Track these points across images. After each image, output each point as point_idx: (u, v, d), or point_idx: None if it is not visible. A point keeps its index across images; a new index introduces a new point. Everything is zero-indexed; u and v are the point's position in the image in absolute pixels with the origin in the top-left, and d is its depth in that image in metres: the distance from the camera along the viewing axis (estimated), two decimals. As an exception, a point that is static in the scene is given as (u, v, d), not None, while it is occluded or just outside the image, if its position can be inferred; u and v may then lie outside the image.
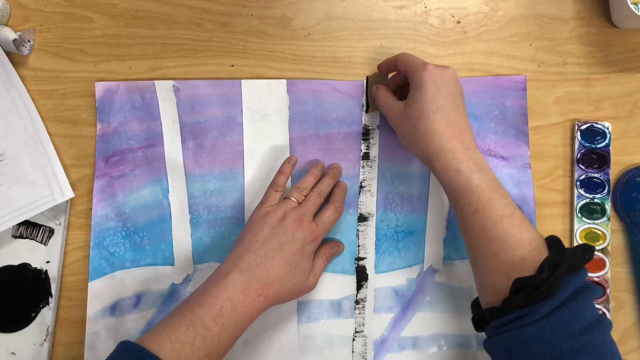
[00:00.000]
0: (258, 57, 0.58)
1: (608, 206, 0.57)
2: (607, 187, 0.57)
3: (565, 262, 0.40)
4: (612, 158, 0.58)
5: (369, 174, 0.57)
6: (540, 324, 0.38)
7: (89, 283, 0.56)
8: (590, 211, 0.57)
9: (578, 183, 0.57)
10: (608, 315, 0.56)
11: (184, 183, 0.57)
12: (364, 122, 0.58)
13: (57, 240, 0.56)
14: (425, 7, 0.59)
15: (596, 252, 0.57)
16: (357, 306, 0.56)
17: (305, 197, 0.52)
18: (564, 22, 0.59)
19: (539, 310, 0.39)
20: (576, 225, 0.57)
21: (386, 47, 0.59)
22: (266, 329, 0.55)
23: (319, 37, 0.59)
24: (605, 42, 0.59)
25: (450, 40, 0.59)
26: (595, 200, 0.57)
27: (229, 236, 0.57)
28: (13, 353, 0.55)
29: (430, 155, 0.47)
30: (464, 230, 0.47)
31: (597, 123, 0.58)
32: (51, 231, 0.56)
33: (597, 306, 0.56)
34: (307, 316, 0.56)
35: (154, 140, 0.57)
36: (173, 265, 0.56)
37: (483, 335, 0.45)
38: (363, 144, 0.58)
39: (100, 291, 0.56)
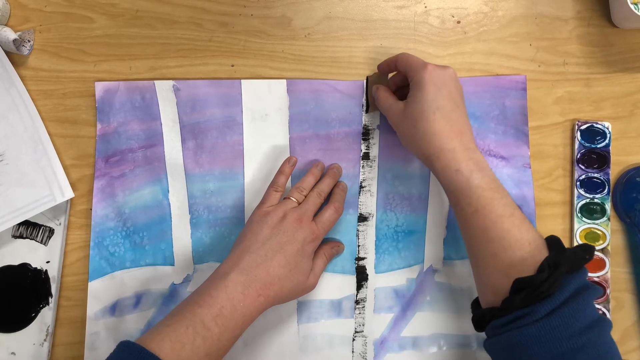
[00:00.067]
0: (258, 57, 0.58)
1: (608, 206, 0.57)
2: (607, 187, 0.57)
3: (565, 262, 0.40)
4: (612, 158, 0.58)
5: (369, 174, 0.57)
6: (540, 324, 0.38)
7: (89, 283, 0.56)
8: (590, 211, 0.57)
9: (578, 183, 0.57)
10: (608, 315, 0.56)
11: (184, 183, 0.57)
12: (364, 122, 0.58)
13: (57, 240, 0.56)
14: (425, 7, 0.59)
15: (596, 252, 0.57)
16: (357, 306, 0.56)
17: (305, 197, 0.52)
18: (564, 22, 0.59)
19: (539, 310, 0.39)
20: (576, 225, 0.57)
21: (386, 47, 0.59)
22: (266, 329, 0.55)
23: (319, 37, 0.59)
24: (605, 42, 0.59)
25: (450, 40, 0.59)
26: (595, 200, 0.57)
27: (229, 236, 0.57)
28: (13, 353, 0.55)
29: (430, 155, 0.47)
30: (464, 230, 0.47)
31: (597, 123, 0.58)
32: (51, 231, 0.56)
33: (597, 306, 0.56)
34: (307, 316, 0.56)
35: (154, 140, 0.57)
36: (173, 265, 0.56)
37: (483, 335, 0.45)
38: (363, 144, 0.58)
39: (100, 291, 0.56)
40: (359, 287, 0.56)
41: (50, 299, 0.55)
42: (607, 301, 0.56)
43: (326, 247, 0.54)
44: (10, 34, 0.56)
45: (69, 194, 0.56)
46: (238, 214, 0.57)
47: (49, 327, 0.55)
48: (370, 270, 0.57)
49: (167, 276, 0.56)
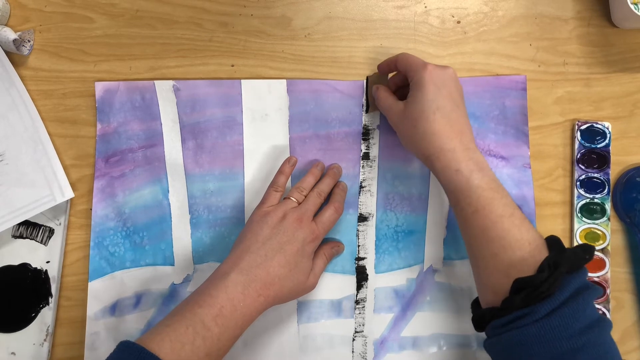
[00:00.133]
0: (258, 57, 0.58)
1: (608, 206, 0.57)
2: (607, 187, 0.57)
3: (565, 262, 0.40)
4: (612, 158, 0.58)
5: (369, 174, 0.57)
6: (540, 324, 0.38)
7: (89, 283, 0.56)
8: (590, 211, 0.57)
9: (578, 183, 0.57)
10: (608, 315, 0.56)
11: (184, 183, 0.57)
12: (364, 122, 0.58)
13: (57, 240, 0.56)
14: (425, 7, 0.59)
15: (596, 252, 0.57)
16: (357, 306, 0.56)
17: (305, 197, 0.52)
18: (564, 22, 0.59)
19: (539, 310, 0.39)
20: (576, 225, 0.57)
21: (386, 47, 0.59)
22: (266, 329, 0.55)
23: (319, 37, 0.59)
24: (605, 42, 0.59)
25: (450, 40, 0.59)
26: (595, 200, 0.57)
27: (229, 236, 0.57)
28: (13, 353, 0.55)
29: (430, 155, 0.47)
30: (464, 230, 0.47)
31: (597, 123, 0.58)
32: (51, 231, 0.56)
33: (597, 306, 0.56)
34: (307, 316, 0.56)
35: (154, 140, 0.57)
36: (173, 265, 0.56)
37: (483, 335, 0.45)
38: (363, 144, 0.58)
39: (100, 291, 0.56)
40: (359, 287, 0.56)
41: (50, 299, 0.55)
42: (607, 301, 0.56)
43: (326, 247, 0.54)
44: (10, 34, 0.56)
45: (69, 194, 0.56)
46: (238, 214, 0.57)
47: (49, 327, 0.55)
48: (370, 270, 0.57)
49: (167, 276, 0.56)
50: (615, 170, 0.58)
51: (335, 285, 0.56)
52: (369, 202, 0.57)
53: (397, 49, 0.59)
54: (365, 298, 0.56)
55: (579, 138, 0.57)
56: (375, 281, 0.56)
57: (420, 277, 0.57)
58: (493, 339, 0.43)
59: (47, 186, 0.55)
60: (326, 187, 0.54)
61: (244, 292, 0.45)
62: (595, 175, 0.57)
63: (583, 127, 0.58)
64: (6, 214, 0.54)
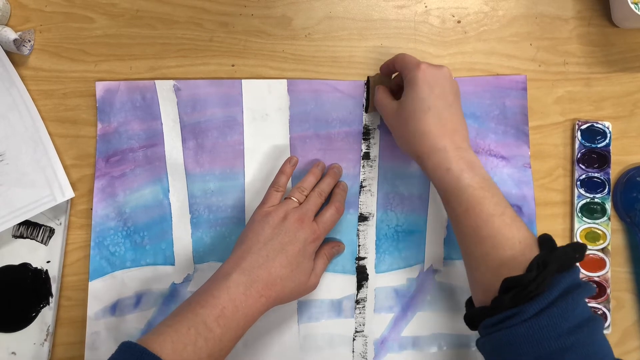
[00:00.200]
0: (258, 57, 0.58)
1: (608, 206, 0.57)
2: (607, 186, 0.57)
3: (555, 261, 0.40)
4: (613, 158, 0.58)
5: (370, 174, 0.57)
6: (529, 324, 0.38)
7: (90, 283, 0.56)
8: (591, 211, 0.57)
9: (578, 183, 0.57)
10: (608, 315, 0.56)
11: (184, 183, 0.57)
12: (364, 122, 0.58)
13: (57, 240, 0.56)
14: (426, 6, 0.59)
15: (596, 252, 0.57)
16: (357, 306, 0.56)
17: (306, 197, 0.52)
18: (564, 22, 0.59)
19: (528, 310, 0.38)
20: (576, 225, 0.57)
21: (386, 46, 0.59)
22: (267, 329, 0.55)
23: (320, 37, 0.59)
24: (606, 41, 0.59)
25: (451, 40, 0.59)
26: (596, 199, 0.57)
27: (230, 236, 0.57)
28: (13, 353, 0.55)
29: (422, 155, 0.47)
30: (456, 230, 0.47)
31: (597, 123, 0.58)
32: (51, 231, 0.56)
33: (597, 306, 0.56)
34: (308, 316, 0.56)
35: (155, 140, 0.57)
36: (173, 265, 0.56)
37: (482, 335, 0.45)
38: (363, 144, 0.58)
39: (101, 291, 0.56)
40: (360, 286, 0.57)
41: (50, 298, 0.55)
42: (607, 301, 0.56)
43: (327, 247, 0.54)
44: (11, 34, 0.56)
45: (69, 193, 0.56)
46: (238, 213, 0.57)
47: (49, 326, 0.55)
48: (370, 270, 0.57)
49: (167, 276, 0.56)
50: (615, 170, 0.58)
51: (335, 285, 0.56)
52: (369, 202, 0.57)
53: (398, 48, 0.59)
54: (366, 298, 0.56)
55: (580, 138, 0.57)
56: (376, 281, 0.56)
57: (420, 276, 0.57)
58: (484, 338, 0.42)
59: (47, 186, 0.55)
60: (327, 187, 0.54)
61: (246, 292, 0.45)
62: (596, 174, 0.57)
63: (583, 127, 0.58)
64: (6, 214, 0.54)
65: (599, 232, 0.57)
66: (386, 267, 0.57)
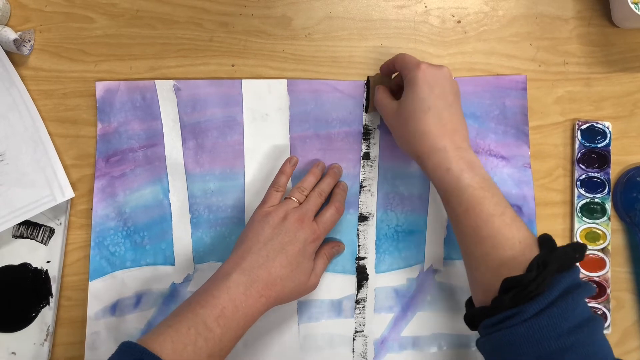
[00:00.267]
0: (258, 57, 0.58)
1: (608, 206, 0.57)
2: (607, 186, 0.57)
3: (555, 261, 0.40)
4: (613, 158, 0.58)
5: (370, 174, 0.57)
6: (529, 324, 0.38)
7: (90, 283, 0.56)
8: (591, 211, 0.57)
9: (578, 183, 0.57)
10: (608, 315, 0.56)
11: (184, 183, 0.57)
12: (364, 122, 0.58)
13: (57, 240, 0.56)
14: (426, 6, 0.59)
15: (596, 252, 0.57)
16: (357, 306, 0.56)
17: (306, 197, 0.52)
18: (564, 22, 0.59)
19: (528, 310, 0.38)
20: (576, 225, 0.57)
21: (386, 46, 0.59)
22: (267, 329, 0.55)
23: (320, 37, 0.59)
24: (606, 41, 0.59)
25: (451, 40, 0.59)
26: (596, 199, 0.57)
27: (230, 236, 0.57)
28: (13, 353, 0.55)
29: (422, 155, 0.47)
30: (456, 230, 0.47)
31: (597, 123, 0.58)
32: (51, 231, 0.56)
33: (597, 306, 0.56)
34: (308, 316, 0.56)
35: (155, 139, 0.57)
36: (173, 265, 0.56)
37: (482, 335, 0.45)
38: (363, 144, 0.58)
39: (101, 291, 0.56)
40: (360, 286, 0.57)
41: (50, 298, 0.55)
42: (607, 301, 0.56)
43: (327, 247, 0.54)
44: (11, 34, 0.56)
45: (69, 193, 0.56)
46: (238, 213, 0.57)
47: (49, 326, 0.55)
48: (370, 270, 0.57)
49: (167, 276, 0.56)
50: (615, 170, 0.58)
51: (335, 285, 0.56)
52: (369, 202, 0.57)
53: (398, 48, 0.59)
54: (366, 298, 0.56)
55: (579, 138, 0.57)
56: (376, 281, 0.56)
57: (420, 276, 0.57)
58: (484, 338, 0.42)
59: (47, 186, 0.55)
60: (327, 186, 0.54)
61: (246, 292, 0.45)
62: (596, 174, 0.57)
63: (583, 127, 0.58)
64: (6, 214, 0.54)
65: (599, 232, 0.57)
66: (386, 267, 0.57)
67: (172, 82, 0.57)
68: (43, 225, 0.56)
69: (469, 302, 0.48)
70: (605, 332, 0.55)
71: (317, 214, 0.52)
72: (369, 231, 0.57)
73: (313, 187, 0.53)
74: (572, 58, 0.59)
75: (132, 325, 0.55)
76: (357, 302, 0.56)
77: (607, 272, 0.57)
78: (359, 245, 0.57)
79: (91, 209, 0.57)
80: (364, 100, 0.58)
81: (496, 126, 0.58)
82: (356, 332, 0.56)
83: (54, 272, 0.55)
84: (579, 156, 0.57)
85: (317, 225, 0.50)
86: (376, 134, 0.58)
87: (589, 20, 0.59)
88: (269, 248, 0.47)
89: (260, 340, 0.55)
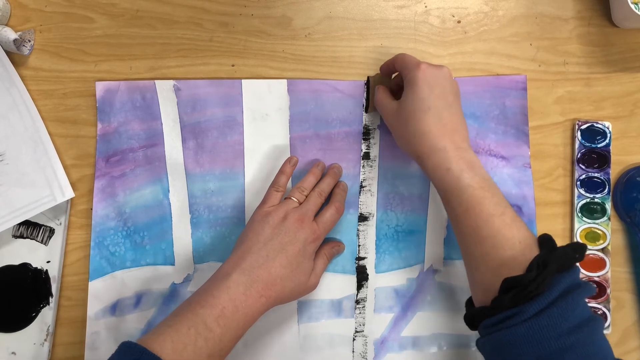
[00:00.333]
0: (258, 57, 0.58)
1: (608, 206, 0.57)
2: (607, 186, 0.57)
3: (555, 261, 0.40)
4: (613, 158, 0.58)
5: (370, 174, 0.57)
6: (529, 324, 0.38)
7: (90, 283, 0.56)
8: (591, 211, 0.57)
9: (578, 183, 0.57)
10: (608, 315, 0.56)
11: (184, 183, 0.57)
12: (364, 122, 0.58)
13: (57, 240, 0.56)
14: (426, 6, 0.59)
15: (596, 252, 0.57)
16: (357, 306, 0.56)
17: (306, 197, 0.52)
18: (564, 22, 0.59)
19: (528, 310, 0.38)
20: (576, 225, 0.57)
21: (386, 46, 0.59)
22: (267, 329, 0.55)
23: (320, 37, 0.59)
24: (606, 41, 0.59)
25: (451, 39, 0.59)
26: (596, 199, 0.57)
27: (230, 236, 0.57)
28: (13, 353, 0.55)
29: (422, 155, 0.47)
30: (456, 230, 0.47)
31: (597, 123, 0.58)
32: (51, 231, 0.56)
33: (597, 306, 0.56)
34: (308, 316, 0.56)
35: (155, 139, 0.57)
36: (173, 265, 0.56)
37: (482, 335, 0.45)
38: (363, 144, 0.58)
39: (101, 291, 0.56)
40: (360, 286, 0.57)
41: (50, 298, 0.55)
42: (607, 301, 0.56)
43: (327, 247, 0.54)
44: (11, 34, 0.56)
45: (69, 193, 0.56)
46: (238, 213, 0.57)
47: (49, 326, 0.55)
48: (370, 270, 0.57)
49: (167, 276, 0.56)
50: (615, 170, 0.58)
51: (335, 285, 0.56)
52: (369, 202, 0.57)
53: (398, 48, 0.59)
54: (366, 298, 0.56)
55: (579, 138, 0.57)
56: (376, 281, 0.56)
57: (420, 276, 0.57)
58: (484, 338, 0.42)
59: (47, 186, 0.55)
60: (327, 186, 0.54)
61: (246, 292, 0.45)
62: (596, 174, 0.57)
63: (583, 127, 0.58)
64: (6, 214, 0.54)
65: (599, 232, 0.57)
66: (386, 267, 0.57)
67: (172, 82, 0.57)
68: (43, 225, 0.56)
69: (469, 302, 0.48)
70: (605, 332, 0.55)
71: (317, 214, 0.52)
72: (369, 231, 0.57)
73: (313, 187, 0.53)
74: (572, 58, 0.59)
75: (132, 325, 0.55)
76: (357, 302, 0.56)
77: (607, 272, 0.57)
78: (359, 245, 0.57)
79: (91, 209, 0.57)
80: (364, 100, 0.58)
81: (496, 126, 0.58)
82: (356, 332, 0.56)
83: (54, 272, 0.55)
84: (579, 156, 0.57)
85: (317, 225, 0.50)
86: (376, 134, 0.58)
87: (589, 20, 0.59)
88: (269, 248, 0.47)
89: (260, 340, 0.55)
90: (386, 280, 0.56)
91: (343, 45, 0.59)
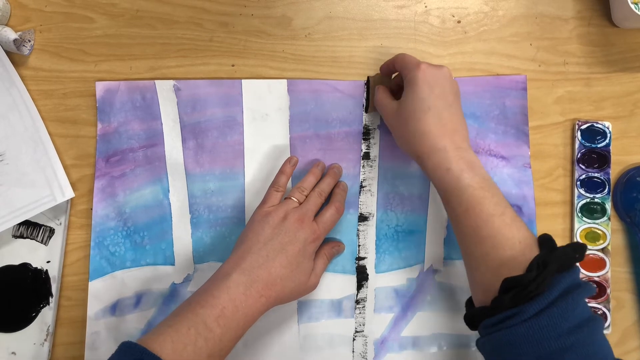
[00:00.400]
0: (258, 57, 0.58)
1: (608, 206, 0.57)
2: (607, 186, 0.57)
3: (555, 261, 0.40)
4: (613, 158, 0.58)
5: (370, 174, 0.57)
6: (529, 324, 0.38)
7: (90, 283, 0.56)
8: (591, 211, 0.57)
9: (578, 183, 0.57)
10: (608, 315, 0.56)
11: (184, 183, 0.57)
12: (364, 122, 0.58)
13: (57, 240, 0.56)
14: (426, 6, 0.59)
15: (596, 252, 0.57)
16: (357, 306, 0.56)
17: (306, 197, 0.52)
18: (564, 22, 0.59)
19: (528, 310, 0.38)
20: (576, 225, 0.57)
21: (386, 46, 0.59)
22: (267, 329, 0.55)
23: (320, 37, 0.59)
24: (606, 41, 0.59)
25: (451, 39, 0.59)
26: (596, 199, 0.57)
27: (230, 236, 0.57)
28: (13, 353, 0.55)
29: (422, 155, 0.47)
30: (456, 230, 0.47)
31: (597, 123, 0.58)
32: (51, 231, 0.56)
33: (597, 306, 0.56)
34: (308, 316, 0.56)
35: (155, 139, 0.57)
36: (173, 265, 0.56)
37: (482, 335, 0.45)
38: (363, 144, 0.58)
39: (101, 291, 0.56)
40: (360, 286, 0.57)
41: (50, 298, 0.55)
42: (607, 301, 0.56)
43: (327, 247, 0.54)
44: (11, 34, 0.56)
45: (69, 193, 0.56)
46: (238, 213, 0.57)
47: (49, 326, 0.55)
48: (370, 270, 0.57)
49: (167, 276, 0.56)
50: (615, 170, 0.58)
51: (335, 285, 0.56)
52: (369, 202, 0.57)
53: (398, 48, 0.59)
54: (366, 298, 0.56)
55: (580, 138, 0.57)
56: (376, 281, 0.56)
57: (420, 276, 0.57)
58: (484, 338, 0.42)
59: (47, 186, 0.55)
60: (327, 186, 0.54)
61: (246, 292, 0.45)
62: (596, 174, 0.57)
63: (583, 127, 0.58)
64: (6, 214, 0.54)
65: (599, 232, 0.57)
66: (386, 267, 0.57)
67: (172, 82, 0.57)
68: (43, 225, 0.56)
69: (469, 302, 0.48)
70: (605, 332, 0.55)
71: (317, 214, 0.52)
72: (369, 231, 0.57)
73: (313, 187, 0.53)
74: (572, 58, 0.59)
75: (132, 325, 0.55)
76: (357, 302, 0.56)
77: (607, 272, 0.57)
78: (359, 245, 0.57)
79: (91, 209, 0.57)
80: (364, 100, 0.58)
81: (496, 126, 0.58)
82: (356, 332, 0.56)
83: (54, 272, 0.55)
84: (579, 156, 0.57)
85: (317, 225, 0.50)
86: (376, 134, 0.58)
87: (589, 20, 0.59)
88: (269, 248, 0.47)
89: (260, 340, 0.55)
90: (386, 280, 0.57)
91: (343, 45, 0.59)
